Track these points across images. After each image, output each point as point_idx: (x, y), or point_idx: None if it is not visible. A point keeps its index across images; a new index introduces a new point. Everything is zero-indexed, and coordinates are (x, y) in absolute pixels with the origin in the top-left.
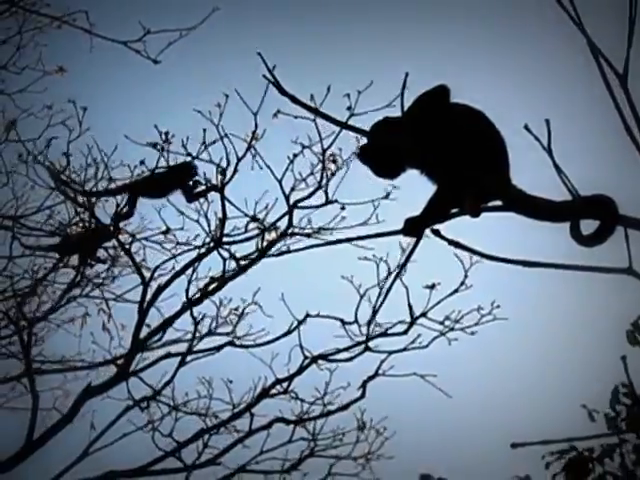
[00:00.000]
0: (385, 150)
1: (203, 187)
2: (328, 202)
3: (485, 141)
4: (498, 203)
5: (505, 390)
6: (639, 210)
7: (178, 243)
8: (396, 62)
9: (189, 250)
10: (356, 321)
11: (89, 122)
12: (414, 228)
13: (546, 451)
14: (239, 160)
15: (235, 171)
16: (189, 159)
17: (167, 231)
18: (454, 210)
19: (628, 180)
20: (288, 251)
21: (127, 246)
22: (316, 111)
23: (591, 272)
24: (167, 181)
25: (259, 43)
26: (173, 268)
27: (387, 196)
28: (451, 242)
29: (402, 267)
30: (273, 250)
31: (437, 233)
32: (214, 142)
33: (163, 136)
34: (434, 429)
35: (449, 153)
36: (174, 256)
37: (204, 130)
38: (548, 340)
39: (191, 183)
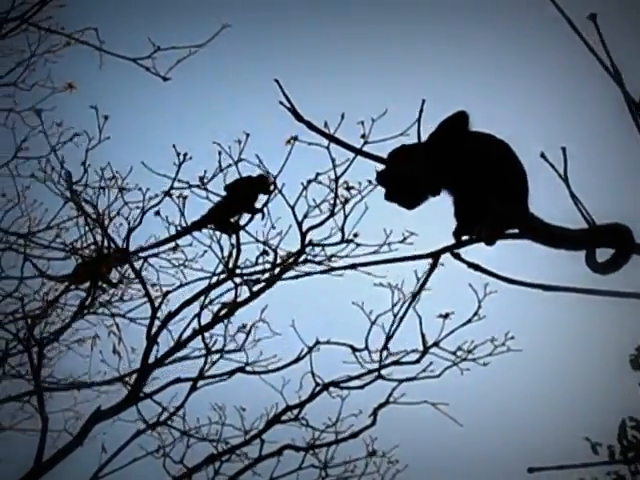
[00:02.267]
0: (402, 177)
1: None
2: (344, 241)
3: (506, 169)
4: (514, 231)
5: (517, 420)
6: None
7: (186, 262)
8: (411, 90)
9: (200, 279)
10: (367, 348)
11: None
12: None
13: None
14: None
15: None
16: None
17: (176, 247)
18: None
19: None
20: (304, 274)
21: (138, 269)
22: (333, 138)
23: (610, 297)
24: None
25: (270, 63)
26: (181, 285)
27: (404, 240)
28: (470, 265)
29: (417, 294)
30: (285, 276)
31: (457, 256)
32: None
33: (181, 157)
34: (446, 458)
35: (469, 180)
36: (184, 284)
37: (219, 160)
38: (561, 369)
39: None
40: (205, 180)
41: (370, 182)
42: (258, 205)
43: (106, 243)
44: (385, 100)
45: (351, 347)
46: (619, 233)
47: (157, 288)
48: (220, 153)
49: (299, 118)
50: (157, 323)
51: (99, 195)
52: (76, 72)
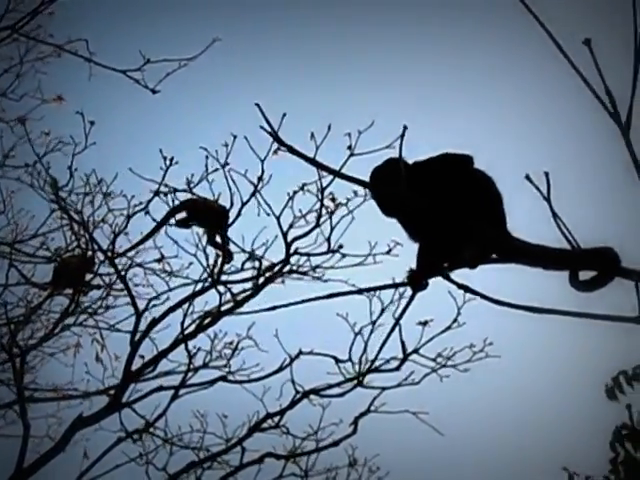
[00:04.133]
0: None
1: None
2: (329, 251)
3: (485, 194)
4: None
5: (498, 428)
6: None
7: (171, 273)
8: (398, 102)
9: (185, 285)
10: (350, 359)
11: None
12: (417, 280)
13: None
14: (243, 205)
15: (239, 215)
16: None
17: (161, 259)
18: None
19: (632, 230)
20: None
21: (123, 272)
22: (313, 162)
23: (598, 320)
24: (206, 218)
25: (259, 76)
26: (168, 298)
27: (389, 252)
28: (460, 286)
29: (401, 316)
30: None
31: (447, 277)
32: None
33: (168, 161)
34: (427, 467)
35: (450, 204)
36: (169, 290)
37: (206, 163)
38: (541, 380)
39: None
40: (191, 184)
41: (356, 194)
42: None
43: (91, 246)
44: (372, 111)
45: (334, 358)
46: (606, 257)
47: (143, 292)
48: (207, 157)
49: (280, 142)
50: (141, 329)
51: (84, 201)
52: (65, 83)
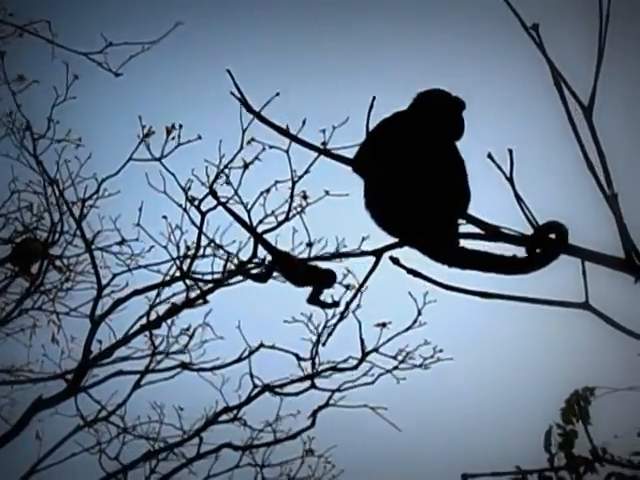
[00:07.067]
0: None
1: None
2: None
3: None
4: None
5: (455, 424)
6: (598, 243)
7: (132, 255)
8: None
9: (147, 266)
10: (312, 358)
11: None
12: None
13: None
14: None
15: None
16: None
17: (122, 242)
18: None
19: (587, 213)
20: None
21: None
22: (284, 132)
23: (548, 306)
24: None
25: (224, 62)
26: (127, 284)
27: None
28: (410, 271)
29: (359, 288)
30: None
31: (396, 262)
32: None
33: (146, 130)
34: (383, 461)
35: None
36: (135, 267)
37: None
38: (499, 375)
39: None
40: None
41: (327, 193)
42: None
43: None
44: (347, 107)
45: (296, 356)
46: (557, 231)
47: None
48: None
49: (250, 109)
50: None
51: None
52: (27, 65)
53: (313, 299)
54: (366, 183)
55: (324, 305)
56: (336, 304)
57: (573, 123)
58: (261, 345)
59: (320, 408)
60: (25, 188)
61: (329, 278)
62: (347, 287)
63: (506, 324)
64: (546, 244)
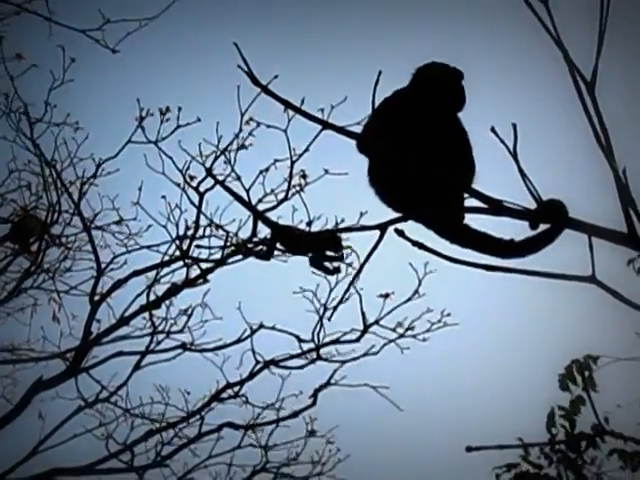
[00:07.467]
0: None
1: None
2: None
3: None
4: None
5: (457, 400)
6: (603, 218)
7: (130, 235)
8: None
9: (147, 247)
10: (313, 340)
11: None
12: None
13: (501, 457)
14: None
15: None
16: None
17: (120, 221)
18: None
19: (594, 187)
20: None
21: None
22: (289, 104)
23: (553, 279)
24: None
25: (223, 39)
26: (125, 262)
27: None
28: (415, 243)
29: (362, 265)
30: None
31: (401, 234)
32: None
33: (143, 112)
34: (386, 439)
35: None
36: (128, 251)
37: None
38: (502, 348)
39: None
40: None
41: (326, 171)
42: None
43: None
44: (346, 87)
45: (297, 337)
46: (556, 209)
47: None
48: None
49: (255, 82)
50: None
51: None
52: (24, 43)
53: (315, 262)
54: (371, 161)
55: (326, 270)
56: (337, 270)
57: (582, 97)
58: (261, 326)
59: (322, 387)
60: (24, 168)
61: (332, 241)
62: (349, 264)
63: (509, 297)
64: (549, 219)
